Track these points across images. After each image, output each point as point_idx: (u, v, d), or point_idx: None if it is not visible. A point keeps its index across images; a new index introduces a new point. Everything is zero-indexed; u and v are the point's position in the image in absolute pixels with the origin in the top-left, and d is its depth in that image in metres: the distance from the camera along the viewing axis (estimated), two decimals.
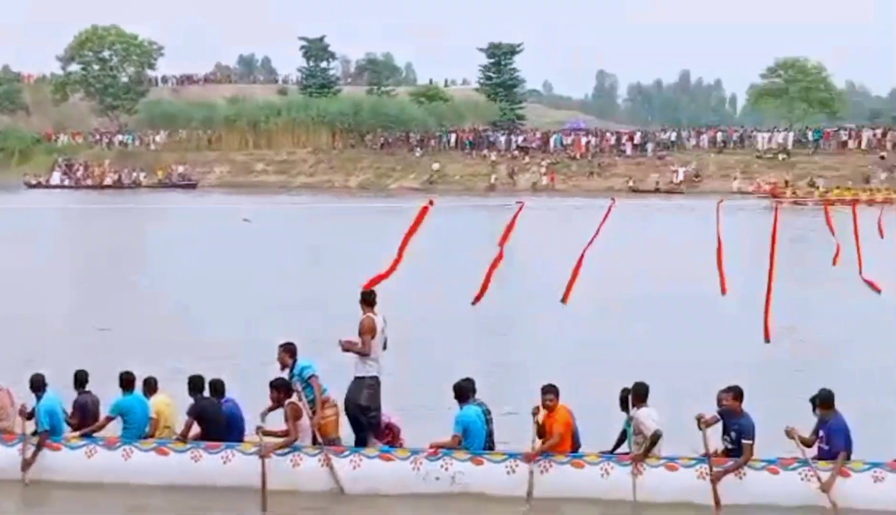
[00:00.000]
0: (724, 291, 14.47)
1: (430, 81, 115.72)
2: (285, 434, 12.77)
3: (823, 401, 12.22)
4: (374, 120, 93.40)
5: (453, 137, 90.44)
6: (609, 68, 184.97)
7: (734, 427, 12.14)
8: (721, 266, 14.56)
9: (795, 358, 19.31)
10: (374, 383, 13.07)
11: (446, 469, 12.38)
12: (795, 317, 21.25)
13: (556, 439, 12.37)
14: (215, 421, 12.97)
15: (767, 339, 13.57)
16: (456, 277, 19.86)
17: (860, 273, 15.77)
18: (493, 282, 14.13)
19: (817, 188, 69.08)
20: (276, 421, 13.03)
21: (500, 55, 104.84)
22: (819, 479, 11.84)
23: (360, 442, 13.00)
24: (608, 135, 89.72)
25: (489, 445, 12.73)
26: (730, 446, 12.21)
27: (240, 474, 12.46)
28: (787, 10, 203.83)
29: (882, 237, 18.35)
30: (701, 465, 12.05)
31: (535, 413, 12.55)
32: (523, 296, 25.38)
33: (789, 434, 12.15)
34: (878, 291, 16.58)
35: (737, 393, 12.21)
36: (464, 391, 12.77)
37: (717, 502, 11.88)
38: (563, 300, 14.44)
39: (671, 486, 12.01)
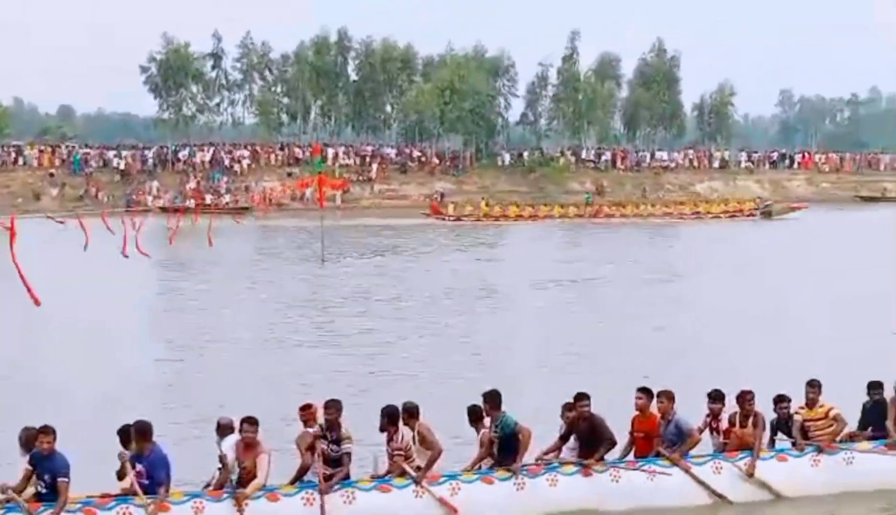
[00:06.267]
0: None
1: None
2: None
3: (139, 434, 11.42)
4: None
5: None
6: None
7: (46, 468, 11.02)
8: None
9: None
10: None
11: None
12: None
13: None
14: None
15: None
16: None
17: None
18: None
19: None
20: None
21: None
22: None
23: None
24: None
25: None
26: (43, 490, 11.04)
27: None
28: None
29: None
30: None
31: None
32: None
33: (123, 461, 11.43)
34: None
35: (53, 432, 11.04)
36: None
37: None
38: None
39: None
